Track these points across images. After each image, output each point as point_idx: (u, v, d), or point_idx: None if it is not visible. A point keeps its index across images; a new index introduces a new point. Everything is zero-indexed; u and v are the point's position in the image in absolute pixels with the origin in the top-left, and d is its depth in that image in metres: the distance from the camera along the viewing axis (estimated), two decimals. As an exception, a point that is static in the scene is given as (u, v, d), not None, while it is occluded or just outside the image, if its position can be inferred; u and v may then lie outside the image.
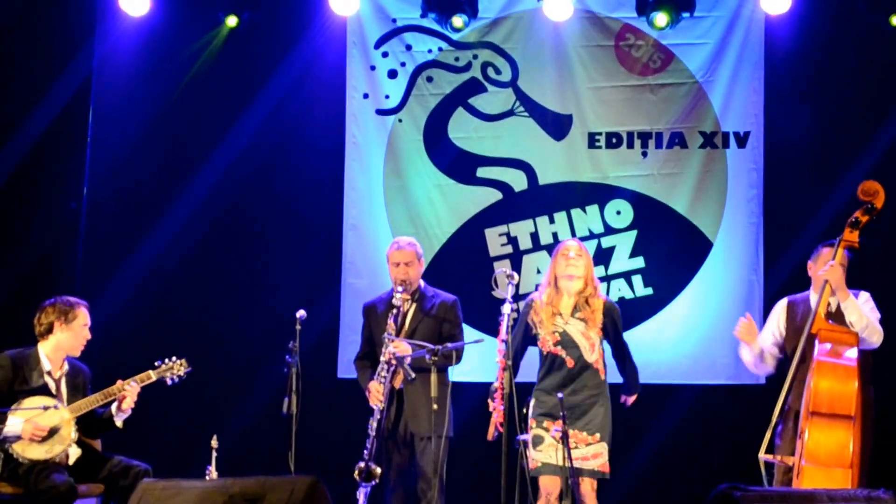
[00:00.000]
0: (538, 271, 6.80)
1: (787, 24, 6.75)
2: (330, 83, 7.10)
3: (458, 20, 6.90)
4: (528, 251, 6.94)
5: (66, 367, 5.25)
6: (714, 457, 6.55)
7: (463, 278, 6.59)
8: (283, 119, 7.10)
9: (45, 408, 4.99)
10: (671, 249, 6.84)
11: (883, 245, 6.15)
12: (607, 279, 6.81)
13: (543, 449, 4.96)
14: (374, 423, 5.25)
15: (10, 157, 6.76)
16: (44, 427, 4.99)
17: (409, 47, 7.10)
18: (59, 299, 5.25)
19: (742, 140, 6.86)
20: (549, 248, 6.73)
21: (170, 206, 7.03)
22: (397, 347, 5.26)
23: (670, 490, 6.66)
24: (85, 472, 5.13)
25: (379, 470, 5.22)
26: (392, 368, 5.29)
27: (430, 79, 7.08)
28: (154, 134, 7.07)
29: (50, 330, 5.19)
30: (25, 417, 4.99)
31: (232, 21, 7.04)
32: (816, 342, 4.77)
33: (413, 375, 5.18)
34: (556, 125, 7.00)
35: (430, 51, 7.09)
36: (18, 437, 4.98)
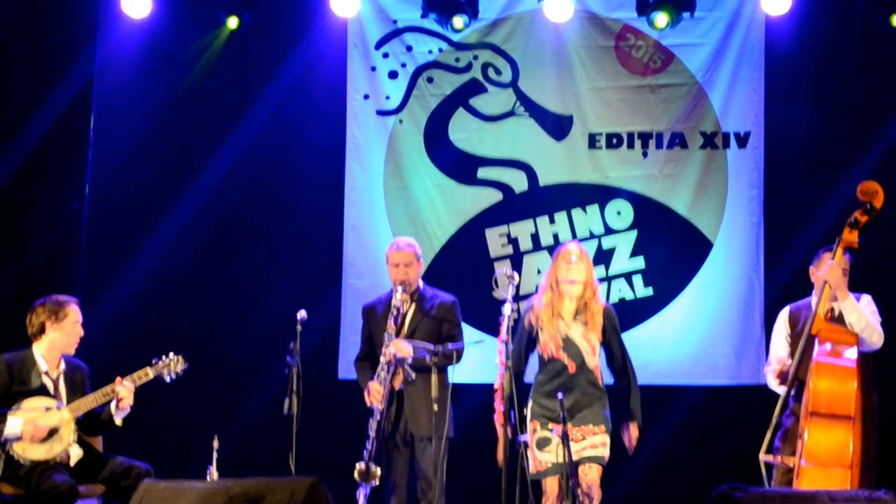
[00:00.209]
0: (539, 272, 6.80)
1: (787, 24, 6.76)
2: (330, 84, 7.12)
3: (458, 21, 6.91)
4: (528, 252, 6.95)
5: (63, 365, 5.25)
6: (714, 457, 6.55)
7: (463, 279, 6.60)
8: (284, 120, 7.11)
9: (48, 409, 5.00)
10: (671, 250, 6.85)
11: (883, 245, 6.15)
12: (608, 279, 6.82)
13: (551, 450, 4.95)
14: (373, 424, 5.26)
15: (13, 158, 6.77)
16: (44, 428, 5.00)
17: (409, 48, 7.11)
18: (48, 299, 5.23)
19: (742, 140, 6.86)
20: (550, 249, 6.74)
21: (171, 207, 7.04)
22: (397, 348, 5.27)
23: (671, 490, 6.66)
24: (86, 472, 5.13)
25: (379, 470, 5.23)
26: (392, 369, 5.29)
27: (430, 79, 7.09)
28: (155, 135, 7.08)
29: (42, 330, 5.19)
30: (25, 418, 5.00)
31: (233, 22, 7.05)
32: (816, 342, 4.77)
33: (414, 376, 5.19)
34: (557, 126, 7.00)
35: (430, 51, 7.10)
36: (19, 438, 4.99)
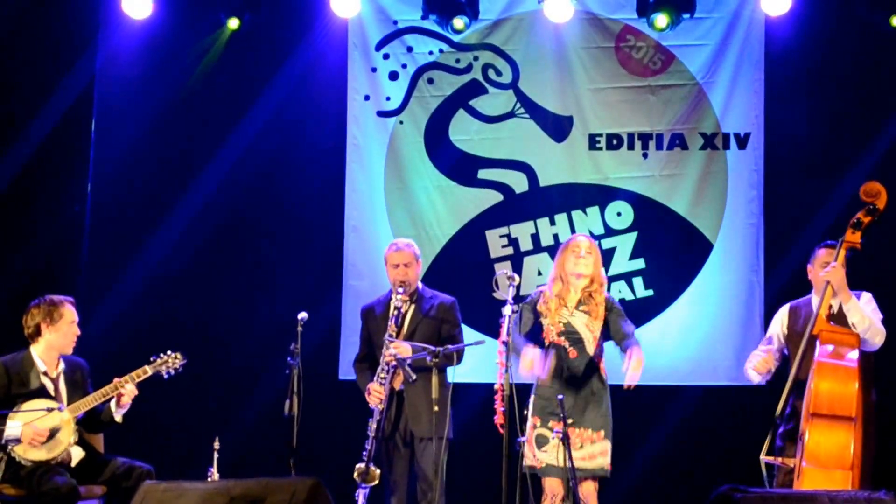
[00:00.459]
0: (539, 273, 6.81)
1: (787, 24, 6.76)
2: (331, 85, 7.12)
3: (458, 22, 6.91)
4: (528, 253, 6.95)
5: (62, 365, 5.25)
6: (715, 458, 6.55)
7: (464, 280, 6.61)
8: (285, 121, 7.11)
9: (49, 410, 5.00)
10: (672, 251, 6.85)
11: (884, 246, 6.15)
12: (608, 281, 6.81)
13: (548, 450, 4.96)
14: (373, 425, 5.26)
15: (14, 160, 6.77)
16: (43, 431, 4.99)
17: (410, 49, 7.11)
18: (43, 300, 5.23)
19: (742, 141, 6.86)
20: (550, 250, 6.74)
21: (172, 209, 7.04)
22: (398, 349, 5.27)
23: (671, 491, 6.66)
24: (87, 473, 5.14)
25: (378, 471, 5.23)
26: (392, 369, 5.29)
27: (430, 80, 7.09)
28: (156, 136, 7.08)
29: (38, 331, 5.19)
30: (25, 420, 5.00)
31: (233, 23, 7.05)
32: (817, 343, 4.77)
33: (414, 377, 5.19)
34: (557, 127, 7.01)
35: (430, 52, 7.10)
36: (19, 440, 5.00)
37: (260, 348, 6.74)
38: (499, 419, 4.88)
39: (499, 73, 7.07)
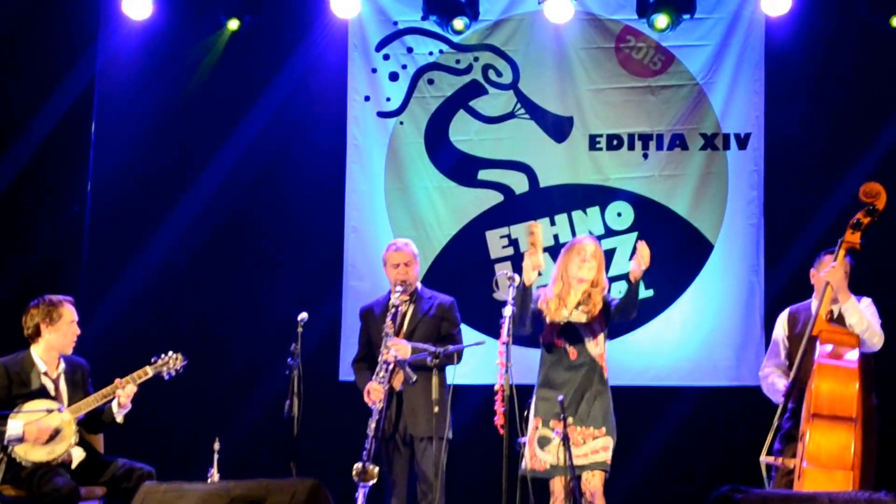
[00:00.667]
0: (539, 274, 6.78)
1: (787, 25, 6.76)
2: (331, 86, 7.12)
3: (458, 22, 6.92)
4: (529, 253, 6.94)
5: (62, 365, 5.24)
6: (715, 459, 6.55)
7: (464, 280, 6.61)
8: (285, 122, 7.11)
9: (49, 411, 5.00)
10: (672, 251, 6.83)
11: (884, 246, 6.15)
12: (609, 283, 6.81)
13: (551, 451, 4.95)
14: (372, 424, 5.25)
15: (15, 160, 6.78)
16: (47, 429, 5.00)
17: (410, 50, 7.11)
18: (42, 300, 5.22)
19: (742, 142, 6.87)
20: (550, 250, 6.73)
21: (173, 209, 7.05)
22: (397, 347, 5.27)
23: (671, 492, 6.66)
24: (88, 474, 5.14)
25: (376, 469, 5.21)
26: (391, 369, 5.29)
27: (431, 81, 7.10)
28: (156, 137, 7.08)
29: (38, 332, 5.18)
30: (26, 420, 5.00)
31: (233, 24, 7.06)
32: (818, 344, 4.77)
33: (415, 377, 5.18)
34: (557, 127, 7.01)
35: (431, 53, 7.10)
36: (20, 441, 4.99)
37: (260, 349, 6.74)
38: (499, 420, 4.87)
39: (499, 74, 7.07)
